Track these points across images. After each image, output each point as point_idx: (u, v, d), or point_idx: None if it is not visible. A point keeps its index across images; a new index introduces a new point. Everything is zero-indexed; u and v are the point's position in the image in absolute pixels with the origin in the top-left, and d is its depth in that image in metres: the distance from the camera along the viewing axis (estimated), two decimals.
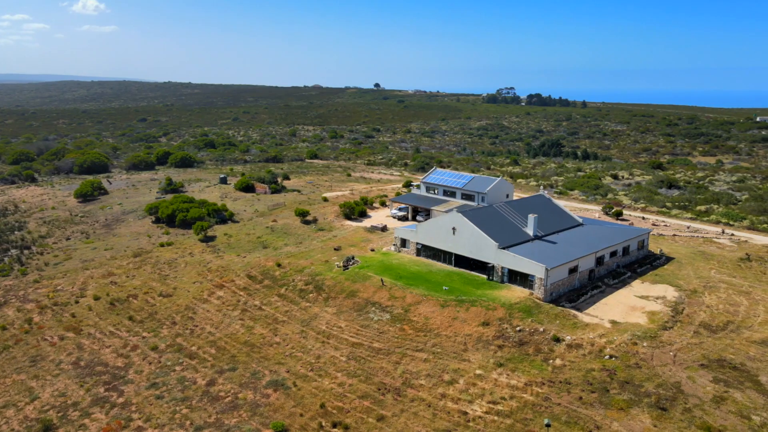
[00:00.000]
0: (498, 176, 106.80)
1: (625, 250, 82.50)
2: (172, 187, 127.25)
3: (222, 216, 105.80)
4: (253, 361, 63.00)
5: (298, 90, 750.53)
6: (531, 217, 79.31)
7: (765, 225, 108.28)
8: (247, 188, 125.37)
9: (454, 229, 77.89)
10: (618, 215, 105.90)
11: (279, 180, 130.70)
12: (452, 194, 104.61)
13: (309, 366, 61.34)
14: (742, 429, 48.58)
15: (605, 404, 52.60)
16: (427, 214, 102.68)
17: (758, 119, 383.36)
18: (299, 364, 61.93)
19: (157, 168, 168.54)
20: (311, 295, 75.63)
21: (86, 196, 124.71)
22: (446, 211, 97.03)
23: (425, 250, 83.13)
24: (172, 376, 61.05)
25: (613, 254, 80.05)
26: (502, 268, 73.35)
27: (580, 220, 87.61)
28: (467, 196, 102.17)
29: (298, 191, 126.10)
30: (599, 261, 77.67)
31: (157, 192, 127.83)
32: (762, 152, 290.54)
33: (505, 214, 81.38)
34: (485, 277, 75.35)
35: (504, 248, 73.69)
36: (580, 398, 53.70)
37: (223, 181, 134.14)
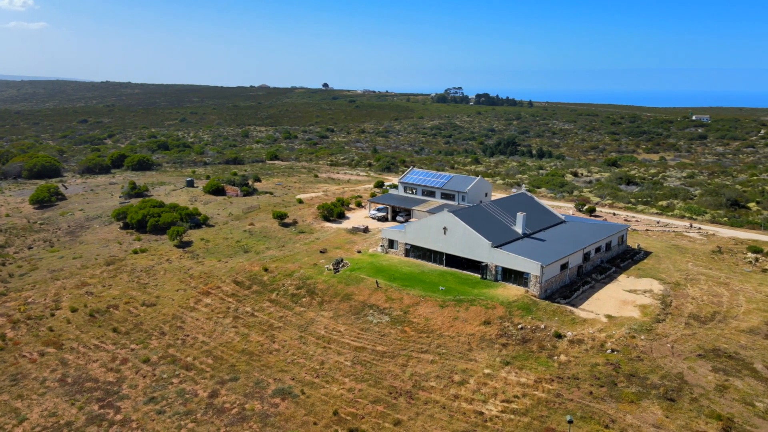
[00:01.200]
0: (477, 176, 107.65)
1: (608, 246, 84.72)
2: (136, 191, 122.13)
3: (196, 220, 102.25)
4: (254, 370, 60.98)
5: (244, 90, 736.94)
6: (520, 215, 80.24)
7: (725, 219, 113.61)
8: (217, 191, 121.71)
9: (445, 229, 77.88)
10: (591, 212, 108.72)
11: (250, 182, 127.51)
12: (431, 194, 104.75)
13: (314, 372, 59.91)
14: (748, 416, 50.54)
15: (615, 398, 53.65)
16: (408, 214, 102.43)
17: (694, 117, 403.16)
18: (303, 370, 60.38)
19: (113, 171, 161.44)
20: (304, 299, 73.98)
21: (43, 202, 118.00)
22: (428, 211, 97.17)
23: (414, 251, 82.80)
24: (171, 389, 58.33)
25: (597, 250, 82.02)
26: (496, 266, 73.86)
27: (563, 218, 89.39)
28: (447, 196, 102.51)
29: (271, 193, 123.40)
30: (586, 257, 79.40)
31: (119, 196, 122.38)
32: (700, 149, 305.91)
33: (493, 213, 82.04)
34: (479, 276, 75.70)
35: (497, 247, 74.22)
36: (591, 393, 54.60)
37: (190, 184, 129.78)
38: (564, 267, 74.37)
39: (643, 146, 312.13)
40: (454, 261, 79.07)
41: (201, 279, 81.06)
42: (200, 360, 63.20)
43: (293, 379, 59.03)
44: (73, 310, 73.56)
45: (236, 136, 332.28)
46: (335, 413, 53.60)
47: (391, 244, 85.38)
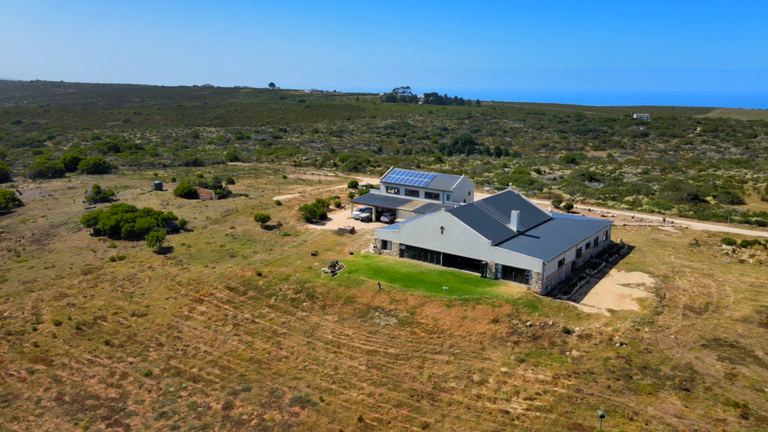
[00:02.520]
0: (461, 175, 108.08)
1: (595, 241, 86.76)
2: (101, 196, 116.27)
3: (173, 225, 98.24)
4: (266, 379, 58.91)
5: (188, 90, 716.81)
6: (514, 213, 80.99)
7: (691, 212, 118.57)
8: (189, 194, 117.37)
9: (442, 228, 77.68)
10: (569, 208, 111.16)
11: (223, 184, 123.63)
12: (415, 193, 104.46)
13: (329, 378, 58.42)
14: (761, 402, 52.60)
15: (633, 390, 54.78)
16: (393, 214, 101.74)
17: (635, 116, 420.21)
18: (318, 377, 58.80)
19: (67, 175, 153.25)
20: (305, 303, 72.17)
21: None
22: (414, 210, 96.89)
23: (409, 251, 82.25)
24: (181, 403, 55.55)
25: (587, 246, 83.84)
26: (496, 264, 74.22)
27: (551, 215, 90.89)
28: (431, 195, 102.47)
29: (246, 195, 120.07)
30: (578, 253, 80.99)
31: (83, 201, 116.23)
32: (643, 146, 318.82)
33: (486, 212, 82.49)
34: (478, 274, 75.87)
35: (496, 245, 74.61)
36: (609, 387, 55.55)
37: (158, 187, 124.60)
38: (561, 263, 75.58)
39: (591, 144, 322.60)
40: (450, 260, 78.99)
41: (191, 286, 77.83)
42: (207, 371, 60.53)
43: (309, 387, 57.36)
44: (57, 324, 69.07)
45: (186, 137, 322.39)
46: (360, 419, 52.38)
47: (385, 244, 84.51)
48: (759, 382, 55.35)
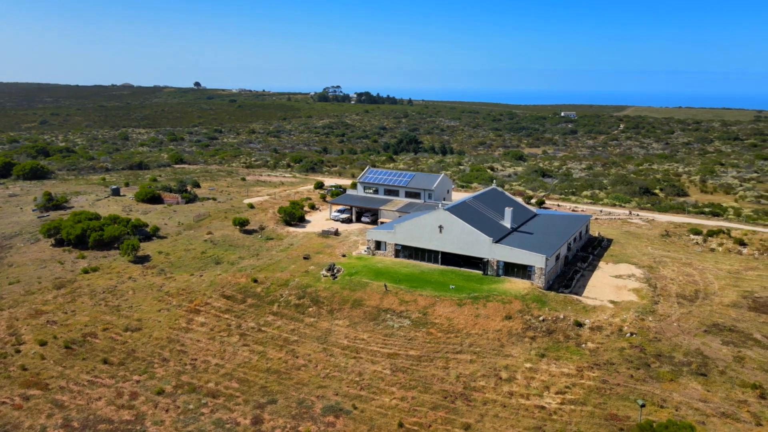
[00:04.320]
0: (440, 173, 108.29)
1: (580, 235, 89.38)
2: (53, 203, 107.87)
3: (144, 232, 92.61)
4: (289, 389, 56.50)
5: (105, 89, 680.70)
6: (508, 210, 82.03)
7: (649, 205, 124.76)
8: (153, 199, 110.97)
9: (440, 227, 77.49)
10: (541, 204, 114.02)
11: (189, 188, 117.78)
12: (394, 193, 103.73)
13: (356, 385, 56.81)
14: None
15: (655, 378, 56.72)
16: (374, 214, 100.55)
17: (563, 114, 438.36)
18: (344, 384, 57.04)
19: (2, 181, 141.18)
20: (311, 309, 69.90)
21: None
22: (397, 210, 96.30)
23: (405, 251, 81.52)
24: (205, 421, 52.25)
25: (574, 240, 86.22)
26: (498, 261, 74.86)
27: (535, 211, 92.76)
28: (411, 194, 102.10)
29: (214, 199, 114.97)
30: (568, 247, 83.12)
31: (33, 210, 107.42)
32: (573, 143, 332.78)
33: (480, 210, 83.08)
34: (479, 272, 76.23)
35: (496, 242, 75.26)
36: (632, 376, 57.24)
37: (116, 192, 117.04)
38: (557, 258, 77.28)
39: (525, 141, 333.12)
40: (449, 259, 78.94)
41: (182, 296, 73.55)
42: (224, 385, 57.30)
43: (337, 395, 55.53)
44: (42, 344, 63.29)
45: (115, 139, 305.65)
46: (400, 425, 51.22)
47: (379, 245, 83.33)
48: (766, 363, 58.72)
